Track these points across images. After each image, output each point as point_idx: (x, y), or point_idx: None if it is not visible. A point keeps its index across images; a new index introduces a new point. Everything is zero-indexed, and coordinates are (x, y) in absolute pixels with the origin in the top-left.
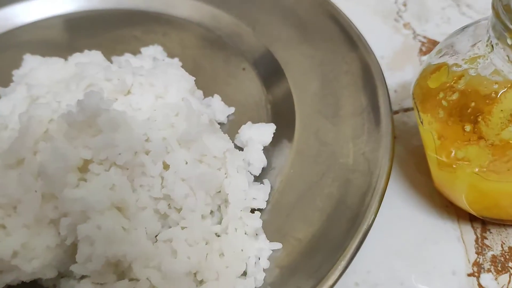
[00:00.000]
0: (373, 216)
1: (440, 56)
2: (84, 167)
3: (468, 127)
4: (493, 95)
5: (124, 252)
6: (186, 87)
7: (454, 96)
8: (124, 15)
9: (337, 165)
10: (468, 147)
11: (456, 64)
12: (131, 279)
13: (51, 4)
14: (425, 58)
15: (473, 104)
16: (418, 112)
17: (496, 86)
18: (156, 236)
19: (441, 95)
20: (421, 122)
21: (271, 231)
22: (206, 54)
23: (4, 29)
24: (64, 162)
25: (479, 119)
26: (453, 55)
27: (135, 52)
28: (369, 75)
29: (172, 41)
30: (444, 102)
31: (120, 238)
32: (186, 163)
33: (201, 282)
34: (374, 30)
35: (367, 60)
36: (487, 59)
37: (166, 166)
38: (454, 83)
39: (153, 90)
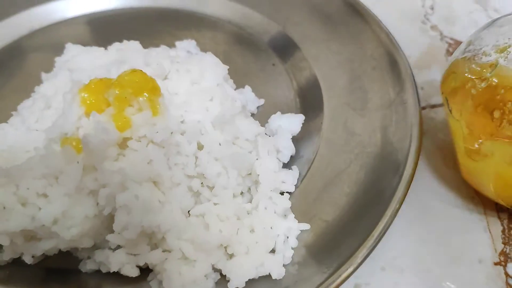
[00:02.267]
0: (399, 202)
1: (469, 47)
2: (123, 144)
3: (497, 113)
4: None
5: (158, 223)
6: (221, 73)
7: (483, 84)
8: (159, 13)
9: (364, 153)
10: (495, 135)
11: (484, 53)
12: (164, 250)
13: (91, 1)
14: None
15: (502, 91)
16: (447, 102)
17: None
18: (189, 211)
19: (470, 84)
20: (450, 111)
21: (299, 213)
22: (237, 50)
23: (46, 23)
24: (106, 136)
25: (508, 106)
26: (481, 47)
27: (170, 46)
28: (397, 70)
29: (205, 37)
30: (473, 91)
31: (155, 209)
32: (220, 144)
33: (231, 255)
34: (402, 31)
35: (395, 55)
36: None
37: (200, 147)
38: (483, 72)
39: (189, 75)
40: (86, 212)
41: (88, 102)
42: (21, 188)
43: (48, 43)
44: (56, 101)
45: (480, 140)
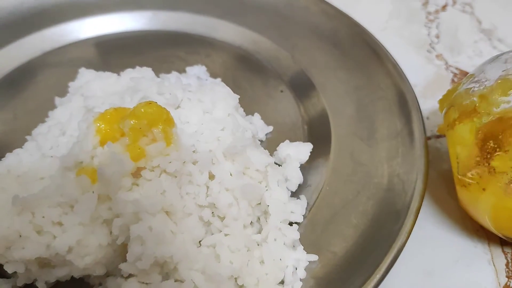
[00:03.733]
0: (406, 235)
1: (472, 82)
2: (137, 173)
3: (489, 145)
4: None
5: (171, 254)
6: (232, 104)
7: (484, 120)
8: (169, 37)
9: (371, 184)
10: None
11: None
12: (176, 280)
13: (103, 23)
14: None
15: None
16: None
17: None
18: (200, 241)
19: (469, 116)
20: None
21: (308, 244)
22: (246, 76)
23: (59, 44)
24: (121, 167)
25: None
26: (484, 81)
27: (180, 71)
28: (403, 101)
29: (214, 62)
30: (476, 122)
31: (168, 240)
32: (231, 174)
33: (242, 287)
34: (407, 60)
35: (401, 87)
36: None
37: (211, 176)
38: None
39: (201, 105)
40: (100, 241)
41: (103, 131)
42: (37, 216)
43: (60, 65)
44: (70, 127)
45: (473, 171)
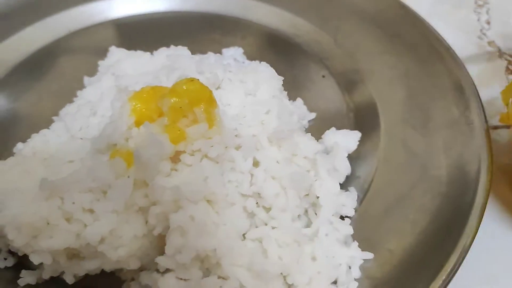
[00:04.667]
0: (472, 235)
1: None
2: (175, 158)
3: None
4: None
5: (214, 247)
6: (276, 85)
7: None
8: (202, 18)
9: (428, 177)
10: None
11: None
12: (219, 277)
13: (133, 3)
14: None
15: None
16: None
17: None
18: (244, 234)
19: None
20: None
21: (360, 240)
22: (285, 60)
23: (87, 24)
24: (159, 149)
25: None
26: None
27: (215, 52)
28: (460, 87)
29: (251, 45)
30: None
31: (211, 232)
32: (277, 161)
33: (291, 286)
34: (457, 47)
35: (457, 72)
36: None
37: (256, 163)
38: None
39: (243, 86)
40: (135, 231)
41: (139, 111)
42: (66, 202)
43: (88, 45)
44: (102, 108)
45: None
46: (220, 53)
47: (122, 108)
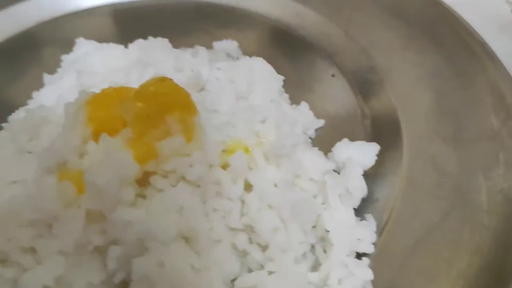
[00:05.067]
0: None
1: None
2: (143, 180)
3: None
4: None
5: None
6: (275, 87)
7: None
8: (192, 7)
9: (464, 202)
10: None
11: None
12: None
13: None
14: None
15: None
16: None
17: None
18: (233, 281)
19: None
20: None
21: (381, 285)
22: (287, 56)
23: (58, 14)
24: (120, 171)
25: None
26: None
27: (206, 47)
28: (499, 90)
29: (248, 38)
30: None
31: (189, 281)
32: (275, 185)
33: None
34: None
35: (494, 72)
36: None
37: (248, 187)
38: None
39: (233, 87)
40: (90, 277)
41: (97, 119)
42: (1, 239)
43: (58, 37)
44: (56, 114)
45: None
46: (211, 47)
47: (76, 115)
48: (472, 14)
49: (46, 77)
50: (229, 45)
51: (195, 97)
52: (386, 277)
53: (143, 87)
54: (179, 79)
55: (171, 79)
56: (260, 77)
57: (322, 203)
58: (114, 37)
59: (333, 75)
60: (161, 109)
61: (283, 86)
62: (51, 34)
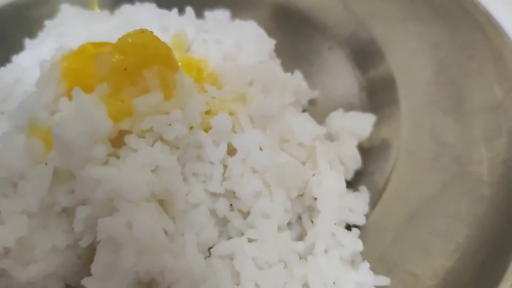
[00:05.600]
0: None
1: None
2: (118, 140)
3: None
4: None
5: (163, 268)
6: (265, 48)
7: None
8: None
9: (464, 174)
10: None
11: None
12: None
13: None
14: None
15: None
16: None
17: None
18: (210, 248)
19: None
20: None
21: (373, 259)
22: (283, 27)
23: None
24: (91, 127)
25: None
26: None
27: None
28: (502, 60)
29: (242, 8)
30: None
31: (159, 246)
32: (261, 149)
33: None
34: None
35: (498, 42)
36: None
37: (231, 151)
38: None
39: (220, 48)
40: (55, 240)
41: (73, 75)
42: None
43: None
44: (32, 75)
45: None
46: (202, 16)
47: (51, 71)
48: None
49: (27, 41)
50: (221, 15)
51: (179, 57)
52: (378, 250)
53: (121, 39)
54: (164, 37)
55: (151, 32)
56: (250, 39)
57: (311, 170)
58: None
59: (329, 48)
60: (139, 62)
61: (277, 57)
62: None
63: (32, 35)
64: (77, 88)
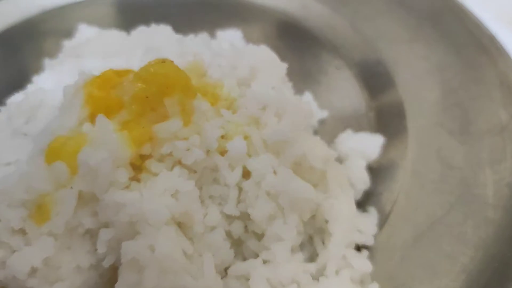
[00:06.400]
0: None
1: None
2: (139, 164)
3: None
4: None
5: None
6: (278, 74)
7: None
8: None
9: (469, 196)
10: None
11: None
12: None
13: None
14: None
15: None
16: None
17: None
18: (226, 269)
19: None
20: None
21: (382, 279)
22: (292, 47)
23: (63, 2)
24: (114, 152)
25: None
26: None
27: (210, 36)
28: (508, 84)
29: (252, 29)
30: None
31: (180, 266)
32: (274, 172)
33: None
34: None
35: (503, 65)
36: None
37: (246, 174)
38: None
39: (235, 73)
40: (79, 260)
41: (96, 100)
42: None
43: (60, 25)
44: (55, 97)
45: None
46: (215, 36)
47: (75, 96)
48: (481, 10)
49: (47, 61)
50: (233, 34)
51: (196, 81)
52: (386, 270)
53: (144, 68)
54: (181, 64)
55: (172, 61)
56: (263, 64)
57: (323, 193)
58: (116, 26)
59: (337, 68)
60: (160, 91)
61: (288, 77)
62: (53, 23)
63: (48, 51)
64: (101, 115)
